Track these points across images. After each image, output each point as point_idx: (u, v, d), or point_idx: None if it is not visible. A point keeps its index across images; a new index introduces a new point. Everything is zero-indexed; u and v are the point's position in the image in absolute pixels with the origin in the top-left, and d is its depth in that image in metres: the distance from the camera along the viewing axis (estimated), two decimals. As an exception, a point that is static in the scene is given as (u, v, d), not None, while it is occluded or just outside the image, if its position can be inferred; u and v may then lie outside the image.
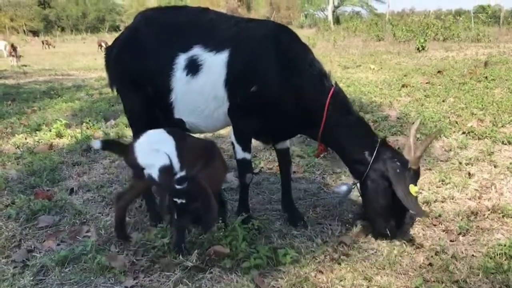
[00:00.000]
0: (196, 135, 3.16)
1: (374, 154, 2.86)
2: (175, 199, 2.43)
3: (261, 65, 2.90)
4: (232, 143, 3.09)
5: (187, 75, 2.95)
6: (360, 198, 3.14)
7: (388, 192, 2.83)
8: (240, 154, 3.07)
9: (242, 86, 2.90)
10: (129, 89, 3.21)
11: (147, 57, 3.05)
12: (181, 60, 2.96)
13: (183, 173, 2.59)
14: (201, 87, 2.95)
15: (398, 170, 2.79)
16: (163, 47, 3.04)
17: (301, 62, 2.93)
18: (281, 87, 2.88)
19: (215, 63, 2.90)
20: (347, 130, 2.93)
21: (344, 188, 3.08)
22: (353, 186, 3.05)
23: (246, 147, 3.07)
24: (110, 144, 3.23)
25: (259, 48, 2.92)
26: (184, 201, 2.43)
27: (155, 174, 2.69)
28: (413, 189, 2.75)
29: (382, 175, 2.84)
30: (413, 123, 2.91)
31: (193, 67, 2.93)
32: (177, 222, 2.53)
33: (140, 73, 3.08)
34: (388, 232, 2.93)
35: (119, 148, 3.09)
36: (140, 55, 3.08)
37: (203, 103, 2.99)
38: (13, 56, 18.46)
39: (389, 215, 2.91)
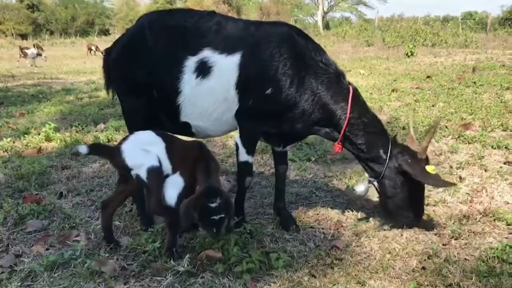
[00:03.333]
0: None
1: (389, 152, 2.98)
2: (213, 217, 2.49)
3: (277, 67, 2.87)
4: (236, 145, 3.06)
5: (196, 77, 2.91)
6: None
7: (406, 185, 3.00)
8: (244, 156, 3.04)
9: (256, 89, 2.89)
10: (131, 93, 3.14)
11: (153, 60, 3.00)
12: (191, 62, 2.92)
13: (207, 185, 2.60)
14: (210, 90, 2.92)
15: (409, 160, 2.96)
16: (171, 50, 2.99)
17: (318, 63, 2.95)
18: (298, 89, 2.89)
19: (226, 66, 2.88)
20: (366, 129, 3.00)
21: (362, 187, 3.16)
22: (369, 185, 3.12)
23: (250, 150, 3.06)
24: (97, 148, 3.15)
25: (275, 49, 2.88)
26: (222, 215, 2.51)
27: (143, 174, 2.67)
28: (429, 168, 2.94)
29: (398, 170, 2.98)
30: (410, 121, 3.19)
31: (203, 70, 2.90)
32: (217, 235, 2.59)
33: (145, 76, 3.01)
34: (410, 223, 3.13)
35: (107, 151, 3.04)
36: (145, 57, 3.02)
37: (211, 105, 2.96)
38: (22, 57, 18.79)
39: (410, 207, 3.07)
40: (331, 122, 2.99)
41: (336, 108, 2.94)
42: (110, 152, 2.89)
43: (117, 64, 3.18)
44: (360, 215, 3.45)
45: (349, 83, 3.02)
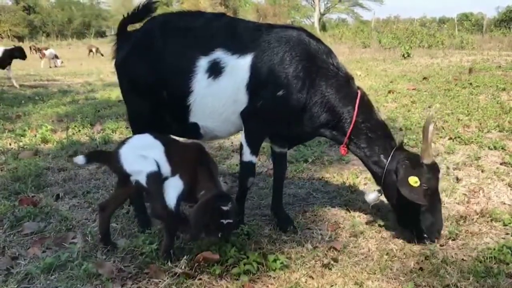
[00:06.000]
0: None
1: (390, 157, 2.96)
2: (222, 220, 2.51)
3: (290, 69, 2.87)
4: (241, 145, 3.06)
5: (208, 77, 2.90)
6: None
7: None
8: (247, 156, 3.04)
9: (268, 90, 2.89)
10: (138, 94, 3.11)
11: (164, 60, 2.98)
12: (203, 63, 2.91)
13: (216, 191, 2.64)
14: (222, 90, 2.91)
15: (404, 166, 2.88)
16: (182, 51, 2.97)
17: (330, 65, 2.98)
18: (309, 91, 2.90)
19: (238, 67, 2.88)
20: (368, 134, 3.02)
21: (371, 196, 3.12)
22: (379, 194, 3.10)
23: (255, 151, 3.06)
24: (94, 156, 3.11)
25: (288, 51, 2.89)
26: (231, 221, 2.54)
27: (143, 180, 2.65)
28: (412, 180, 2.82)
29: (396, 176, 2.92)
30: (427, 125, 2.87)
31: (215, 70, 2.90)
32: (220, 240, 2.64)
33: (155, 77, 2.99)
34: (424, 234, 2.96)
35: (104, 156, 3.02)
36: (155, 58, 2.99)
37: (221, 106, 2.96)
38: (41, 58, 19.05)
39: (418, 214, 2.92)
40: (338, 125, 3.02)
41: (343, 111, 2.97)
42: (108, 158, 2.87)
43: (125, 65, 3.15)
44: (357, 216, 3.45)
45: (358, 88, 3.05)
